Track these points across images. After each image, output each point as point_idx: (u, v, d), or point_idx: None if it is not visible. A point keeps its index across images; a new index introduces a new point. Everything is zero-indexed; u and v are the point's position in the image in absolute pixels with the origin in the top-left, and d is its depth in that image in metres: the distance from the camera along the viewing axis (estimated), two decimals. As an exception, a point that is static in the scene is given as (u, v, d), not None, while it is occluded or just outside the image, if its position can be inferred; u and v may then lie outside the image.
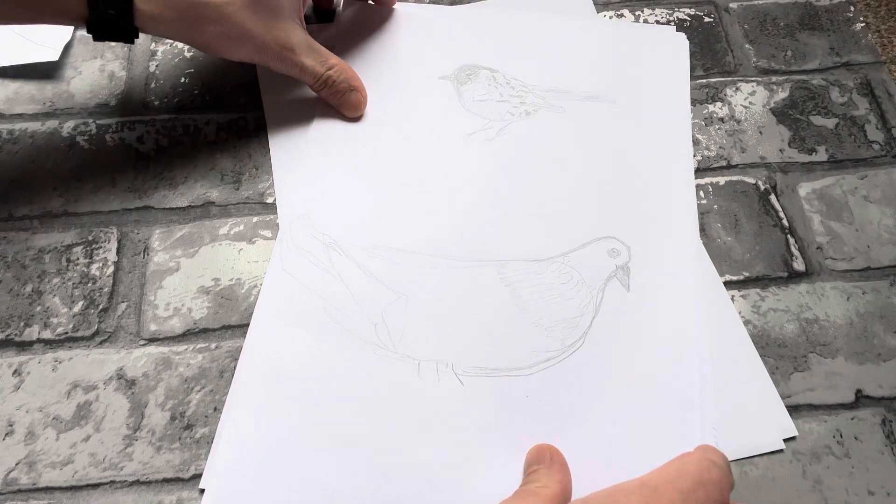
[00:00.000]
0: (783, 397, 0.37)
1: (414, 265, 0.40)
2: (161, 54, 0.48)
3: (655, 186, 0.43)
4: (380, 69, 0.47)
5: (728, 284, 0.40)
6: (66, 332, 0.38)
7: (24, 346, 0.38)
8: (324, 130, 0.45)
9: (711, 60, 0.50)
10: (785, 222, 0.43)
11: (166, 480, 0.34)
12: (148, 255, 0.41)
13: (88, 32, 0.39)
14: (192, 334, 0.38)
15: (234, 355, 0.37)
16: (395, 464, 0.34)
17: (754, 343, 0.38)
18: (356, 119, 0.45)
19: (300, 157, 0.44)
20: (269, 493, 0.33)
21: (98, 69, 0.48)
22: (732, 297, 0.40)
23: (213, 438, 0.35)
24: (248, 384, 0.36)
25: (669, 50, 0.50)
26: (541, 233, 0.41)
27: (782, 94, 0.48)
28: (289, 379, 0.36)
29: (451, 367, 0.37)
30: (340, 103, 0.45)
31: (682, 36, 0.50)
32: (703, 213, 0.43)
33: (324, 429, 0.35)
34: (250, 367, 0.36)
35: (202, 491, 0.34)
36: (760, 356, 0.38)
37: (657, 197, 0.43)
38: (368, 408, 0.35)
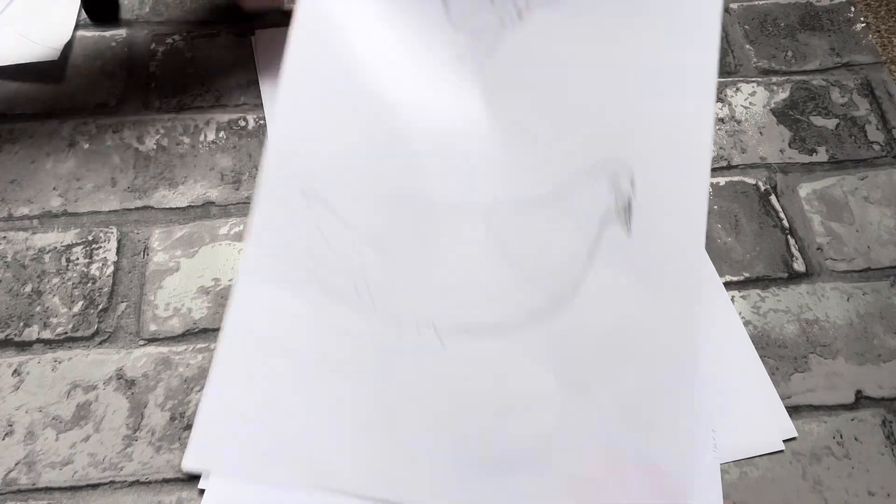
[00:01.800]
0: (783, 398, 0.37)
1: (396, 216, 0.37)
2: (161, 54, 0.48)
3: (669, 106, 0.37)
4: None
5: (728, 285, 0.40)
6: (66, 332, 0.38)
7: (23, 346, 0.38)
8: (301, 70, 0.40)
9: (712, 61, 0.50)
10: (785, 223, 0.43)
11: (166, 480, 0.34)
12: (148, 255, 0.41)
13: None
14: (191, 334, 0.38)
15: (234, 355, 0.37)
16: (387, 441, 0.34)
17: (754, 343, 0.38)
18: None
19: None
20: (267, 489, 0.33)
21: (98, 69, 0.48)
22: (732, 298, 0.40)
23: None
24: (232, 353, 0.35)
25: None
26: (534, 167, 0.37)
27: (783, 95, 0.48)
28: (272, 345, 0.35)
29: (434, 327, 0.35)
30: None
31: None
32: (703, 213, 0.43)
33: (309, 394, 0.34)
34: (235, 334, 0.36)
35: (202, 491, 0.34)
36: (760, 357, 0.38)
37: (670, 117, 0.37)
38: (353, 375, 0.35)
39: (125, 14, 0.50)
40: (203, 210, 0.42)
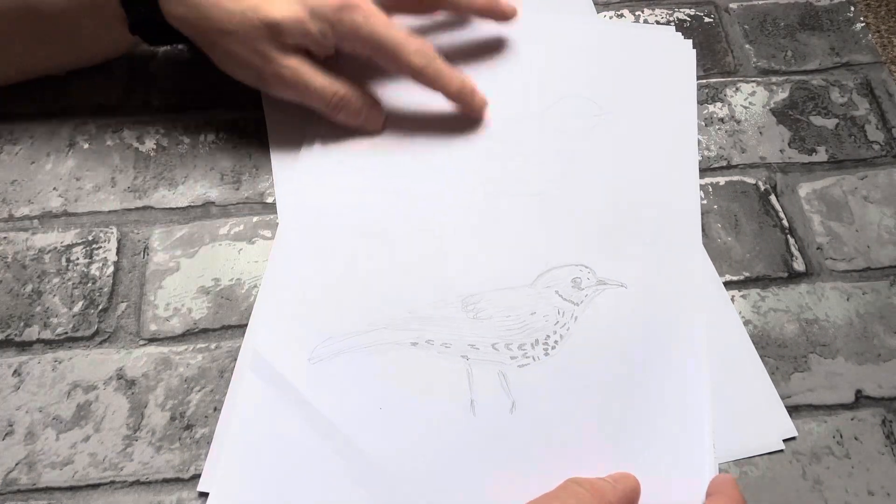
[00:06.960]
0: (783, 397, 0.37)
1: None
2: (161, 54, 0.48)
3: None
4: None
5: (728, 285, 0.40)
6: (66, 332, 0.38)
7: (23, 346, 0.38)
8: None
9: (711, 61, 0.50)
10: (785, 222, 0.43)
11: (166, 481, 0.34)
12: (148, 255, 0.41)
13: (133, 33, 0.42)
14: (192, 334, 0.38)
15: (234, 355, 0.37)
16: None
17: (754, 343, 0.38)
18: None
19: (300, 156, 0.44)
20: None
21: (98, 69, 0.48)
22: (732, 298, 0.40)
23: (213, 438, 0.35)
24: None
25: (675, 60, 0.49)
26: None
27: (782, 95, 0.48)
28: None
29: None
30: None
31: (689, 46, 0.49)
32: (703, 213, 0.43)
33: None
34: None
35: (201, 493, 0.33)
36: (760, 356, 0.38)
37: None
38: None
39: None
40: (203, 210, 0.42)
